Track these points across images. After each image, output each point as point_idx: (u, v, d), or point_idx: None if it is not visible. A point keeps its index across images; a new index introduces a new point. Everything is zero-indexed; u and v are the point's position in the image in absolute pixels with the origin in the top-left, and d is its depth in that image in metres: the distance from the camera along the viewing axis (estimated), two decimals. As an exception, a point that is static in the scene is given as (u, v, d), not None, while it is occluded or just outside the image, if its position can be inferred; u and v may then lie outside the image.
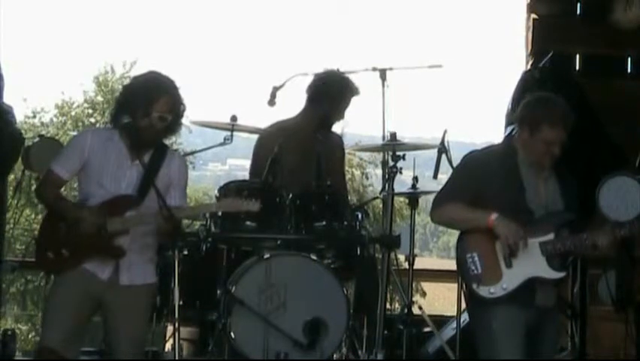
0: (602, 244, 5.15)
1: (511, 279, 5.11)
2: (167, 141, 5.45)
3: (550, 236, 5.15)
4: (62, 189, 5.44)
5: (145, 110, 5.18)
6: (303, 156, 6.62)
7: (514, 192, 5.17)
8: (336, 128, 7.06)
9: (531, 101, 5.30)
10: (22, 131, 7.74)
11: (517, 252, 5.11)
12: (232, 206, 5.44)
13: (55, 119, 26.00)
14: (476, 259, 5.15)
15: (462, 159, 5.57)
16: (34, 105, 25.87)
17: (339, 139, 7.09)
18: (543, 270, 5.14)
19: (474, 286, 5.14)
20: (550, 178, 5.27)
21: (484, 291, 5.12)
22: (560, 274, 5.18)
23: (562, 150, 5.18)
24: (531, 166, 5.23)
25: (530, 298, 5.15)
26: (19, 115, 24.33)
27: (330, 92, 6.81)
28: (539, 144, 5.16)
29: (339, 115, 6.89)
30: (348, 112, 6.93)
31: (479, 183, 5.19)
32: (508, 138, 5.34)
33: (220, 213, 6.16)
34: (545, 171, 5.25)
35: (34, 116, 25.67)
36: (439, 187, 5.45)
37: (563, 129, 5.14)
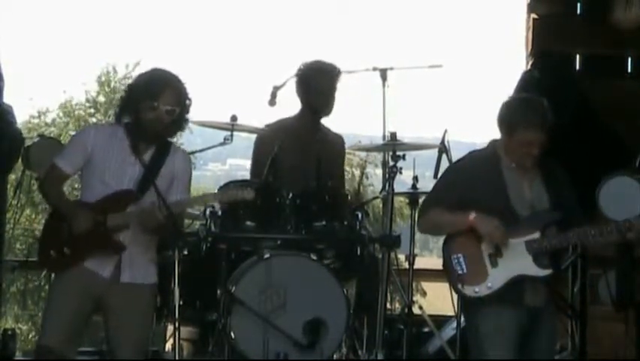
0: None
1: (496, 278, 5.12)
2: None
3: (536, 235, 5.13)
4: (65, 188, 5.45)
5: (152, 103, 5.18)
6: (302, 156, 6.62)
7: (497, 197, 5.17)
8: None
9: (508, 103, 5.28)
10: (26, 131, 7.76)
11: (502, 248, 5.12)
12: (227, 195, 5.46)
13: (58, 120, 25.97)
14: (461, 259, 5.16)
15: (446, 168, 5.57)
16: (40, 105, 25.84)
17: (339, 139, 7.08)
18: (529, 268, 5.12)
19: (459, 286, 5.16)
20: (535, 179, 5.26)
21: (469, 290, 5.14)
22: (547, 272, 5.15)
23: (541, 150, 5.15)
24: (515, 169, 5.22)
25: (519, 297, 5.14)
26: (25, 115, 24.33)
27: (301, 79, 6.80)
28: (517, 146, 5.15)
29: (320, 100, 6.78)
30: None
31: (462, 191, 5.19)
32: (494, 141, 5.33)
33: (220, 213, 6.16)
34: (530, 172, 5.24)
35: (39, 117, 25.65)
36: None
37: (538, 130, 5.12)
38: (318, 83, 6.76)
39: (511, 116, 5.19)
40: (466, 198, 5.17)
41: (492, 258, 5.14)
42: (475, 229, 5.13)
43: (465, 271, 5.15)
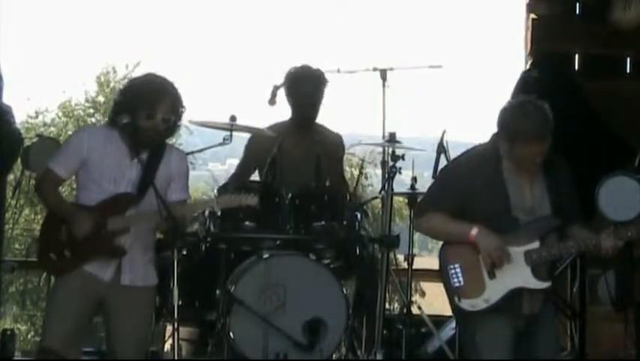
0: (605, 248, 4.98)
1: (493, 291, 4.99)
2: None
3: (535, 244, 4.99)
4: (62, 187, 5.44)
5: (149, 112, 5.17)
6: (302, 156, 6.62)
7: (497, 200, 5.01)
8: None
9: (507, 109, 5.06)
10: (24, 131, 7.76)
11: (500, 265, 4.99)
12: (231, 201, 5.42)
13: (57, 120, 25.93)
14: (458, 270, 5.02)
15: (445, 165, 5.50)
16: (38, 105, 25.78)
17: (338, 138, 7.07)
18: (527, 280, 4.99)
19: (456, 299, 5.03)
20: (536, 179, 5.09)
21: (465, 305, 5.01)
22: (545, 284, 5.02)
23: (543, 157, 5.00)
24: (516, 171, 5.05)
25: (517, 308, 5.02)
26: (23, 115, 24.24)
27: (289, 84, 6.79)
28: (518, 157, 4.99)
29: (304, 104, 6.79)
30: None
31: (462, 193, 5.04)
32: (495, 137, 5.12)
33: (219, 213, 6.15)
34: (531, 174, 5.08)
35: (37, 116, 25.61)
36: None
37: (538, 143, 4.94)
38: (303, 88, 6.75)
39: (509, 127, 4.98)
40: (466, 201, 5.03)
41: (489, 269, 4.98)
42: (475, 246, 4.98)
43: (462, 283, 5.01)
